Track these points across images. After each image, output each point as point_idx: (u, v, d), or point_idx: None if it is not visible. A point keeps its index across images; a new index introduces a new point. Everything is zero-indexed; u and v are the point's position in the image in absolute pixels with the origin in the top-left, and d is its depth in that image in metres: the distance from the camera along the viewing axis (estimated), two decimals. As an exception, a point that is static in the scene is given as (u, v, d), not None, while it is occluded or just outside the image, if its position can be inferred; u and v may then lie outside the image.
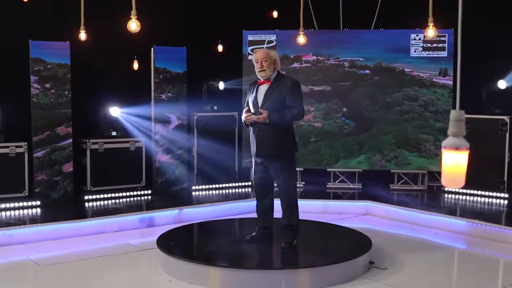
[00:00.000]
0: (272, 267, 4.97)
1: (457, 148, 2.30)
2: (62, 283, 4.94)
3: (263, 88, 5.16)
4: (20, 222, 6.33)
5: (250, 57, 8.07)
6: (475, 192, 7.68)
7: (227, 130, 8.52)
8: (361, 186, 8.43)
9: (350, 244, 5.47)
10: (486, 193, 7.62)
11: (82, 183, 7.62)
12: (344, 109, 8.49)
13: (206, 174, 8.31)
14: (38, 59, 7.25)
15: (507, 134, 7.52)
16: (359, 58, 8.44)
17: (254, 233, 5.42)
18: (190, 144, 8.34)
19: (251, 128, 5.23)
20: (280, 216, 5.30)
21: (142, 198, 7.76)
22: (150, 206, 7.41)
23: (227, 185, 8.42)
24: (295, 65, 8.53)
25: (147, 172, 8.01)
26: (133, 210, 7.04)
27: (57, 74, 7.34)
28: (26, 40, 7.21)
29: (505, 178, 7.54)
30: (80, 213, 6.89)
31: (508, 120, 7.53)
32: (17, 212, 6.78)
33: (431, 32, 6.61)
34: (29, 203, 6.96)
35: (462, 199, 7.68)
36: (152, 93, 8.08)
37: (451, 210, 7.18)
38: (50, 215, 6.67)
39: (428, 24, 6.52)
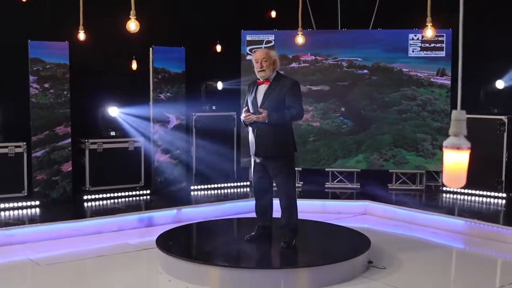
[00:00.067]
0: (271, 267, 4.98)
1: (458, 147, 2.32)
2: (62, 282, 4.94)
3: (262, 88, 5.17)
4: (19, 222, 6.34)
5: (249, 57, 8.09)
6: (473, 191, 7.71)
7: (226, 130, 8.53)
8: (359, 186, 8.45)
9: (349, 244, 5.49)
10: (484, 193, 7.64)
11: (81, 183, 7.63)
12: (342, 109, 8.52)
13: (204, 174, 8.32)
14: (37, 59, 7.25)
15: (505, 134, 7.55)
16: (357, 58, 8.46)
17: (253, 233, 5.43)
18: (189, 144, 8.34)
19: (250, 128, 5.24)
20: (279, 216, 5.31)
21: (141, 198, 7.77)
22: (149, 206, 7.42)
23: (225, 185, 8.43)
24: (294, 65, 8.55)
25: (146, 172, 8.02)
26: (132, 210, 7.04)
27: (56, 74, 7.34)
28: (25, 40, 7.21)
29: (503, 178, 7.57)
30: (79, 213, 6.90)
31: (506, 120, 7.56)
32: (16, 212, 6.79)
33: (429, 32, 6.63)
34: (28, 203, 6.97)
35: (460, 198, 7.70)
36: (151, 93, 8.09)
37: (449, 210, 7.19)
38: (49, 215, 6.68)
39: (427, 24, 6.54)
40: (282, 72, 5.49)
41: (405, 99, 8.37)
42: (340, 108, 8.51)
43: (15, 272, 5.21)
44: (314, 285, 4.73)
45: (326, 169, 8.59)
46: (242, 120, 5.28)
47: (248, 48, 8.54)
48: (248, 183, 8.39)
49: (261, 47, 8.32)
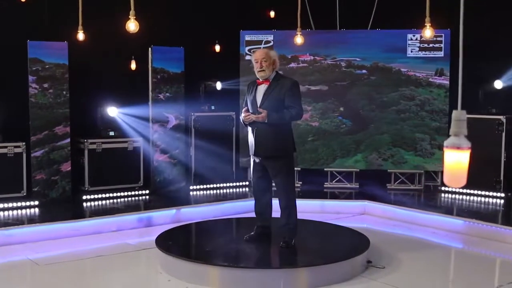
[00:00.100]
0: (271, 266, 4.98)
1: (458, 147, 2.33)
2: (61, 282, 4.95)
3: (262, 88, 5.18)
4: (18, 222, 6.34)
5: (248, 57, 8.10)
6: (472, 191, 7.72)
7: (225, 130, 8.53)
8: (358, 186, 8.47)
9: (348, 244, 5.49)
10: (483, 193, 7.65)
11: (80, 183, 7.63)
12: (341, 109, 8.53)
13: (203, 174, 8.32)
14: (36, 59, 7.25)
15: (503, 134, 7.57)
16: (356, 58, 8.47)
17: (252, 233, 5.43)
18: (188, 144, 8.35)
19: (249, 128, 5.25)
20: (279, 216, 5.32)
21: (140, 198, 7.77)
22: (148, 206, 7.42)
23: (224, 184, 8.44)
24: (292, 65, 8.55)
25: (145, 172, 8.02)
26: (131, 210, 7.05)
27: (55, 74, 7.34)
28: (24, 40, 7.21)
29: (502, 178, 7.59)
30: (78, 213, 6.90)
31: (504, 120, 7.57)
32: (15, 212, 6.79)
33: (428, 32, 6.63)
34: (27, 203, 6.98)
35: (458, 198, 7.71)
36: (150, 93, 8.09)
37: (448, 210, 7.20)
38: (48, 214, 6.68)
39: (425, 24, 6.55)
40: (281, 72, 5.50)
41: (404, 99, 8.39)
42: (339, 108, 8.52)
43: (14, 272, 5.21)
44: (313, 285, 4.73)
45: (325, 169, 8.60)
46: (241, 120, 5.29)
47: (247, 48, 8.55)
48: (247, 183, 8.40)
49: (260, 47, 8.33)
